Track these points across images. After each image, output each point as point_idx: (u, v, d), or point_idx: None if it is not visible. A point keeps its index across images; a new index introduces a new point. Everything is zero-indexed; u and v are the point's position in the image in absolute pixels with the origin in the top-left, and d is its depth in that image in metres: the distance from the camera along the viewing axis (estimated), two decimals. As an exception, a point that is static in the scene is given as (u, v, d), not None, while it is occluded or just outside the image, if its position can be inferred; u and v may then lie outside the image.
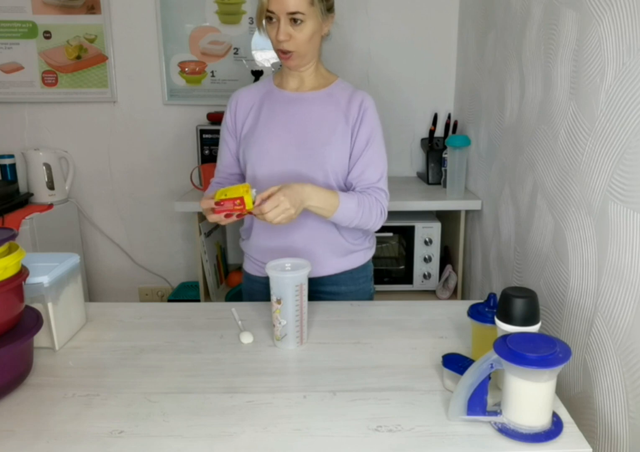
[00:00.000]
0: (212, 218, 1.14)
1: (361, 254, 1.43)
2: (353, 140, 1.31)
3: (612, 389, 1.03)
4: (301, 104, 1.33)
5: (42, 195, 2.41)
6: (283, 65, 1.32)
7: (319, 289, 1.41)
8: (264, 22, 1.25)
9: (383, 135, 1.34)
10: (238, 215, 1.12)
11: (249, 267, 1.46)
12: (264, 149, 1.31)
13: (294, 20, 1.20)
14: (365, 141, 1.31)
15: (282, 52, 1.26)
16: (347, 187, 1.35)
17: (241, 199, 1.09)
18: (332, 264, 1.39)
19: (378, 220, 1.31)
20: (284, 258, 1.13)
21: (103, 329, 1.19)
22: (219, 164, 1.44)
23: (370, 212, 1.27)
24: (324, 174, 1.30)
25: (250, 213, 1.12)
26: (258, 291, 1.41)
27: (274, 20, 1.21)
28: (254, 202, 1.11)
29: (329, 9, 1.28)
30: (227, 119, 1.39)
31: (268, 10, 1.20)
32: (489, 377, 0.81)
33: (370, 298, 1.49)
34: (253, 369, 1.02)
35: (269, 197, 1.12)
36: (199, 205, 2.08)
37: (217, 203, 1.11)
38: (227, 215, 1.12)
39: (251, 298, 1.43)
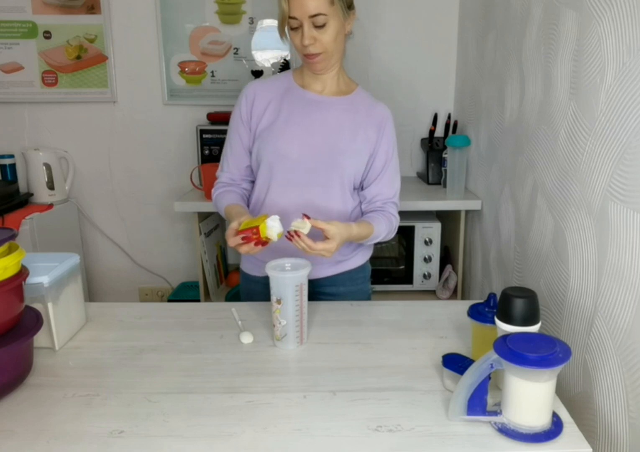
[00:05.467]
0: (243, 249, 1.13)
1: (360, 255, 1.44)
2: (373, 157, 1.34)
3: (612, 389, 1.03)
4: (323, 107, 1.32)
5: (42, 195, 2.40)
6: (309, 69, 1.31)
7: (318, 291, 1.41)
8: (286, 30, 1.24)
9: (397, 149, 1.39)
10: (263, 243, 1.12)
11: (247, 267, 1.46)
12: (282, 151, 1.29)
13: (317, 23, 1.19)
14: (384, 159, 1.35)
15: (309, 56, 1.24)
16: (360, 199, 1.39)
17: (257, 228, 1.10)
18: (331, 266, 1.39)
19: (392, 234, 1.38)
20: (283, 258, 1.13)
21: (103, 329, 1.19)
22: (228, 156, 1.38)
23: (390, 229, 1.35)
24: (340, 180, 1.31)
25: (267, 242, 1.12)
26: (257, 291, 1.41)
27: (297, 25, 1.20)
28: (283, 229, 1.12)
29: (349, 5, 1.26)
30: (242, 110, 1.34)
31: (290, 17, 1.19)
32: (489, 377, 0.81)
33: (368, 298, 1.50)
34: (253, 369, 1.02)
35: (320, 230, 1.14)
36: (199, 206, 2.12)
37: (240, 232, 1.12)
38: (256, 244, 1.12)
39: (249, 299, 1.42)
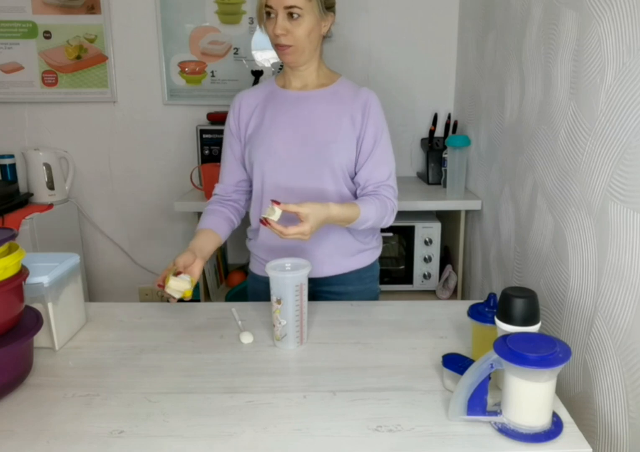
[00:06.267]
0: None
1: (369, 254, 1.43)
2: (360, 140, 1.32)
3: (612, 389, 1.03)
4: (305, 102, 1.33)
5: (42, 195, 2.40)
6: (282, 62, 1.32)
7: (326, 289, 1.41)
8: (264, 18, 1.25)
9: (388, 131, 1.35)
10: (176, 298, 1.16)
11: (256, 268, 1.46)
12: (271, 150, 1.31)
13: (291, 15, 1.21)
14: (372, 141, 1.32)
15: (279, 47, 1.26)
16: (355, 186, 1.36)
17: (163, 279, 1.15)
18: (340, 264, 1.39)
19: (389, 218, 1.33)
20: (284, 258, 1.13)
21: (103, 329, 1.19)
22: (221, 174, 1.43)
23: (385, 212, 1.30)
24: (331, 172, 1.31)
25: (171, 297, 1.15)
26: (264, 291, 1.40)
27: (272, 15, 1.22)
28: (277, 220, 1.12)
29: (329, 7, 1.28)
30: (231, 122, 1.38)
31: (267, 5, 1.21)
32: (489, 377, 0.81)
33: (376, 298, 1.49)
34: (253, 369, 1.02)
35: (295, 213, 1.13)
36: (199, 206, 2.13)
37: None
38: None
39: (257, 298, 1.42)
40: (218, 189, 1.43)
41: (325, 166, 1.30)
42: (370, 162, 1.32)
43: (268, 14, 1.23)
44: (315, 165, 1.30)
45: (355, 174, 1.35)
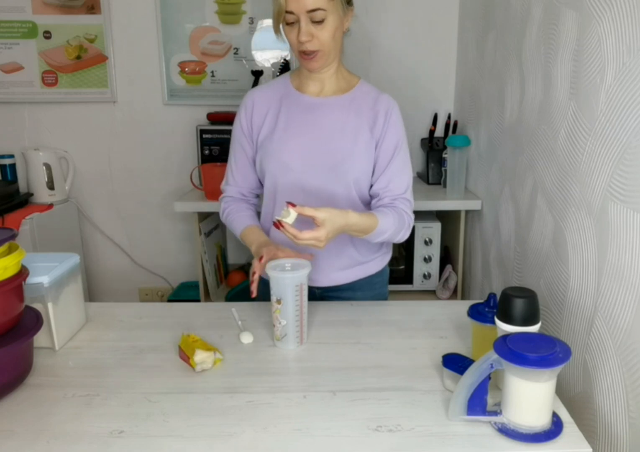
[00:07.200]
0: None
1: (378, 261, 1.39)
2: (378, 149, 1.26)
3: (612, 389, 1.03)
4: (322, 110, 1.26)
5: (42, 195, 2.41)
6: (304, 68, 1.25)
7: (336, 295, 1.38)
8: (281, 25, 1.18)
9: (407, 142, 1.30)
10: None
11: (265, 273, 1.44)
12: (283, 161, 1.25)
13: (315, 18, 1.13)
14: (392, 151, 1.26)
15: (304, 54, 1.18)
16: (371, 197, 1.31)
17: (187, 357, 1.03)
18: (349, 273, 1.36)
19: (405, 233, 1.27)
20: (285, 258, 1.13)
21: (103, 329, 1.19)
22: (233, 169, 1.35)
23: (402, 226, 1.24)
24: (346, 185, 1.25)
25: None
26: None
27: (293, 21, 1.14)
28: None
29: (348, 1, 1.21)
30: (242, 121, 1.31)
31: (287, 11, 1.13)
32: (489, 377, 0.81)
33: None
34: (253, 369, 1.02)
35: (310, 216, 1.07)
36: (199, 206, 2.12)
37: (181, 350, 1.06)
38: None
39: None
40: (231, 191, 1.35)
41: (341, 180, 1.25)
42: (388, 173, 1.26)
43: (287, 19, 1.15)
44: (330, 180, 1.24)
45: (372, 185, 1.29)
